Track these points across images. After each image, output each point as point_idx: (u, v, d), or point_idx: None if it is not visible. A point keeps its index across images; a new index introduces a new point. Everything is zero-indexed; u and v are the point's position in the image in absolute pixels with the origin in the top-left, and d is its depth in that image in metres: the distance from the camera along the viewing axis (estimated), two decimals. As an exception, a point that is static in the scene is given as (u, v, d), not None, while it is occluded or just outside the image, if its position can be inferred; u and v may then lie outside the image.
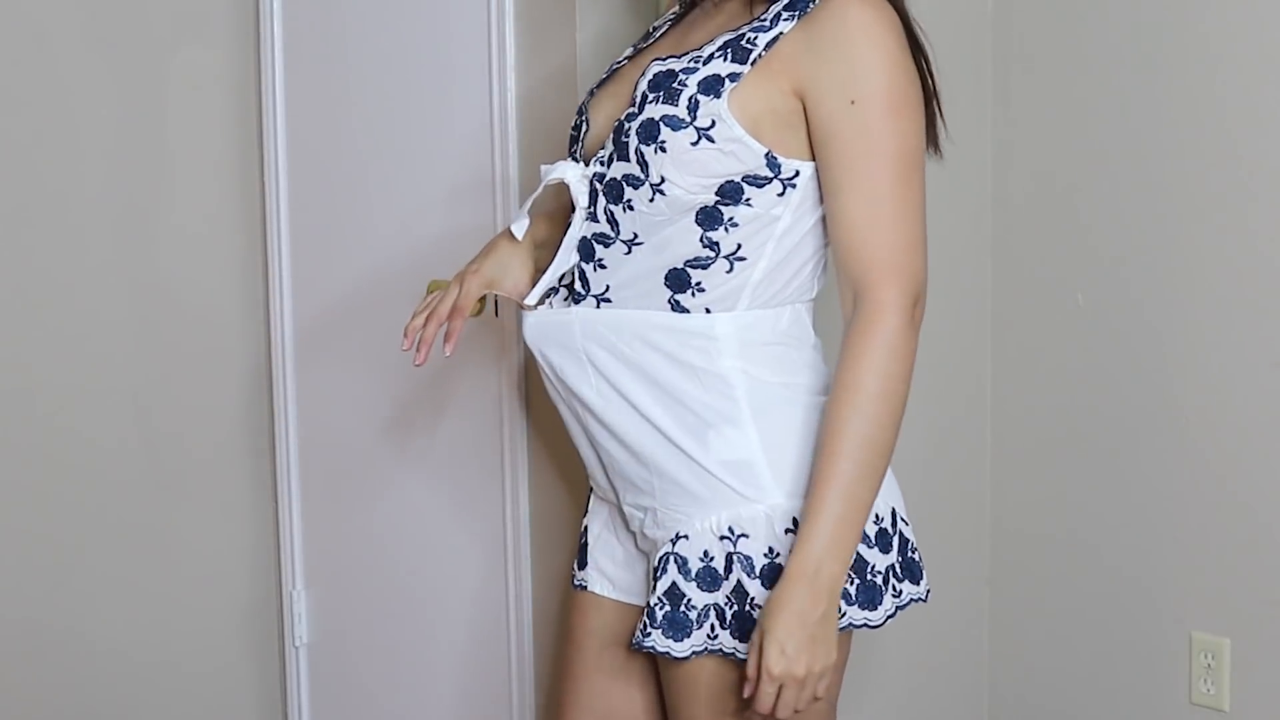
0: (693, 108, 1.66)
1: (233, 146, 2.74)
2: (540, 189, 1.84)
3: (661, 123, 1.67)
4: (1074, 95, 2.54)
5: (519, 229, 1.88)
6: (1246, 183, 2.35)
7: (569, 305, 1.79)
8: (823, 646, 1.65)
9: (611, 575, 1.90)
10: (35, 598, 2.63)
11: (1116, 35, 2.48)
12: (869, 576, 1.72)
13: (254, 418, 2.80)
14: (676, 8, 1.90)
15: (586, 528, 1.93)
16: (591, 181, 1.76)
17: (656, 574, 1.74)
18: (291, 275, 2.67)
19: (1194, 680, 2.47)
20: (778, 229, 1.71)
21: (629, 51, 1.91)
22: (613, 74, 1.87)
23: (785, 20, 1.67)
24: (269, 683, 2.84)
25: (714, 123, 1.66)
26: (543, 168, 1.84)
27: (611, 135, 1.74)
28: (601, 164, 1.75)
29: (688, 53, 1.72)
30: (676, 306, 1.72)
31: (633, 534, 1.84)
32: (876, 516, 1.73)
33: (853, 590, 1.71)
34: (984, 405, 2.70)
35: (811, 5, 1.67)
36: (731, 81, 1.66)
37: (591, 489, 1.93)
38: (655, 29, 1.92)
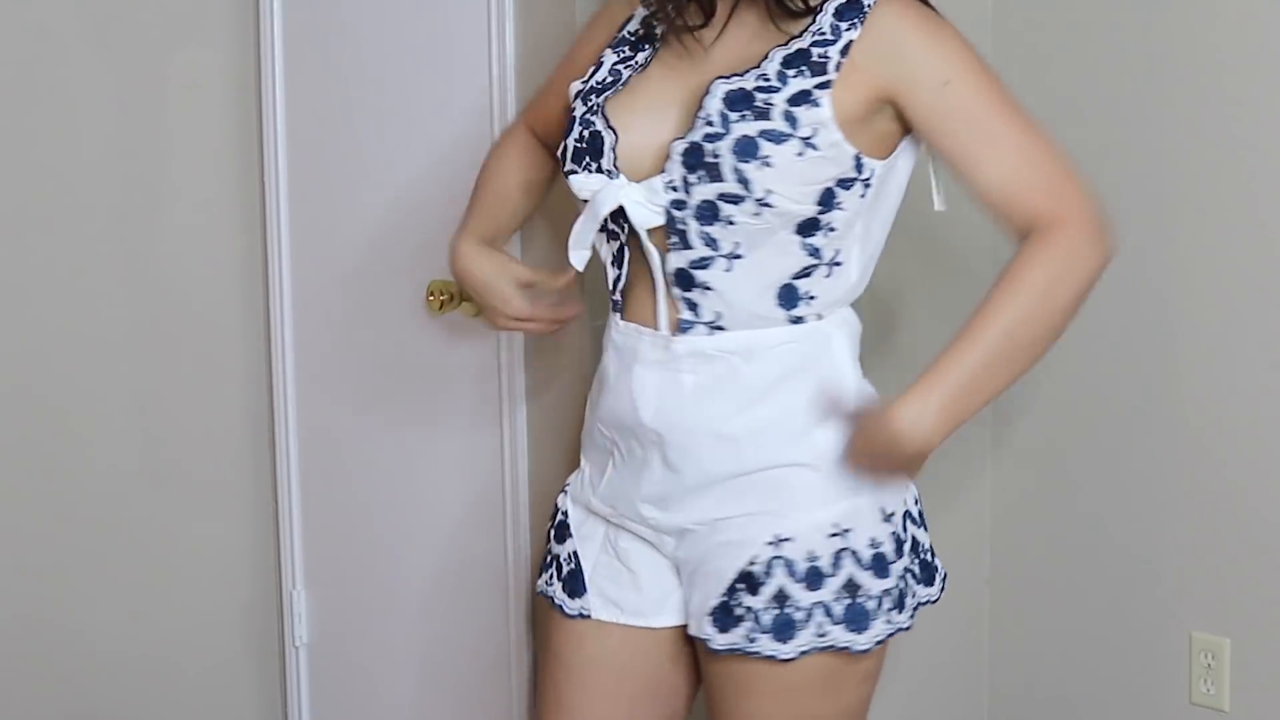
0: (791, 120, 1.67)
1: (233, 146, 2.74)
2: (595, 220, 1.77)
3: (761, 138, 1.66)
4: (1074, 95, 2.54)
5: (580, 260, 1.83)
6: (1247, 183, 2.35)
7: (675, 336, 1.76)
8: (899, 478, 1.76)
9: (617, 599, 1.88)
10: (34, 597, 2.63)
11: (1116, 35, 2.48)
12: (905, 579, 1.81)
13: (254, 418, 2.80)
14: (640, 9, 1.84)
15: (575, 554, 1.91)
16: (669, 211, 1.72)
17: (757, 579, 1.73)
18: (291, 275, 2.67)
19: (1194, 680, 2.47)
20: (858, 228, 1.74)
21: (613, 58, 1.84)
22: (625, 86, 1.80)
23: (848, 30, 1.70)
24: (269, 683, 2.84)
25: (816, 131, 1.67)
26: (577, 183, 1.78)
27: (682, 157, 1.69)
28: (675, 189, 1.71)
29: (747, 70, 1.71)
30: (795, 321, 1.74)
31: (649, 545, 1.84)
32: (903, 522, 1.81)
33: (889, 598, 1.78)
34: (984, 405, 2.70)
35: (861, 17, 1.70)
36: (821, 90, 1.68)
37: (565, 513, 1.92)
38: (631, 33, 1.85)
